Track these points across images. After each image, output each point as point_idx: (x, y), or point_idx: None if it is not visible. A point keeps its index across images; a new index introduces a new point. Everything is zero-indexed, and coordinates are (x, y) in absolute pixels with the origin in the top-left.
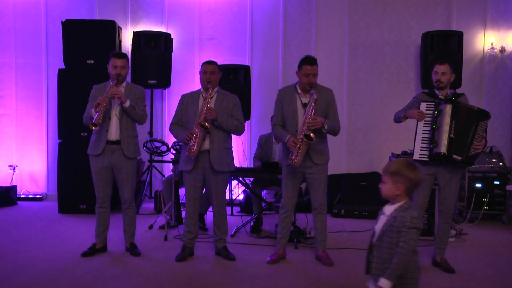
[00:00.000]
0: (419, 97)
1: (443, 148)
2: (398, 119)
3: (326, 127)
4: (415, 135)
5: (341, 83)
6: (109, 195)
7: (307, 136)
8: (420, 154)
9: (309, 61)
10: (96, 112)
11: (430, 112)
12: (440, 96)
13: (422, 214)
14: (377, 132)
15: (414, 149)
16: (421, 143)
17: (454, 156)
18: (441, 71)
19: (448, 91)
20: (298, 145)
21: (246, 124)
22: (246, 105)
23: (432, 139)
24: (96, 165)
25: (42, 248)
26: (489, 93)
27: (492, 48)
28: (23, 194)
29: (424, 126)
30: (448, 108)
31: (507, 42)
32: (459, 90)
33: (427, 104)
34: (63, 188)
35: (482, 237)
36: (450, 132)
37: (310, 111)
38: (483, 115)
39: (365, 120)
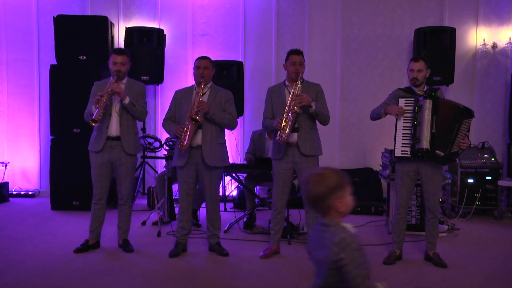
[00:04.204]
0: (396, 94)
1: (425, 144)
2: (377, 115)
3: (313, 107)
4: (395, 132)
5: (334, 78)
6: (106, 191)
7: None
8: (401, 151)
9: (295, 51)
10: (96, 108)
11: (410, 108)
12: (418, 92)
13: (405, 212)
14: (370, 127)
15: (395, 146)
16: (402, 139)
17: (436, 151)
18: (417, 69)
19: (425, 87)
20: (284, 122)
21: (239, 120)
22: (239, 101)
23: (414, 135)
24: (96, 161)
25: (35, 244)
26: (481, 88)
27: (484, 44)
28: (15, 191)
29: (404, 123)
30: (428, 104)
31: (499, 38)
32: (451, 86)
33: (405, 100)
34: (56, 185)
35: (474, 232)
36: (431, 128)
37: (296, 90)
38: (468, 113)
39: (358, 115)
